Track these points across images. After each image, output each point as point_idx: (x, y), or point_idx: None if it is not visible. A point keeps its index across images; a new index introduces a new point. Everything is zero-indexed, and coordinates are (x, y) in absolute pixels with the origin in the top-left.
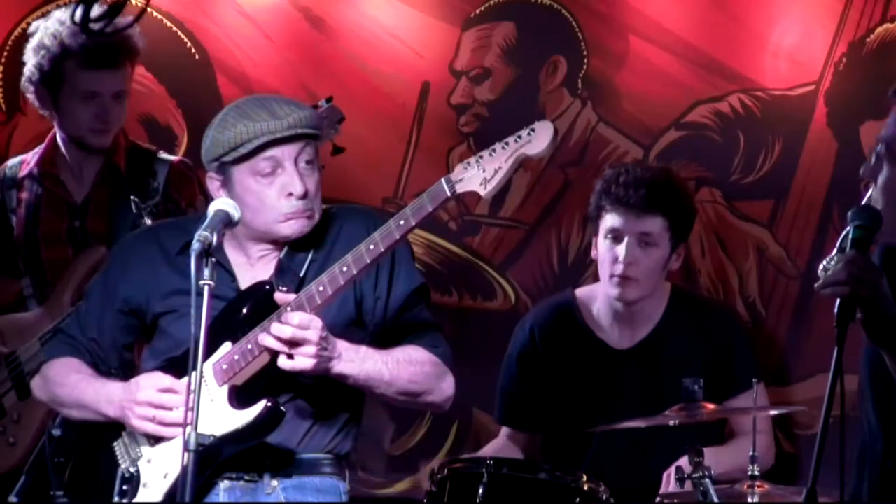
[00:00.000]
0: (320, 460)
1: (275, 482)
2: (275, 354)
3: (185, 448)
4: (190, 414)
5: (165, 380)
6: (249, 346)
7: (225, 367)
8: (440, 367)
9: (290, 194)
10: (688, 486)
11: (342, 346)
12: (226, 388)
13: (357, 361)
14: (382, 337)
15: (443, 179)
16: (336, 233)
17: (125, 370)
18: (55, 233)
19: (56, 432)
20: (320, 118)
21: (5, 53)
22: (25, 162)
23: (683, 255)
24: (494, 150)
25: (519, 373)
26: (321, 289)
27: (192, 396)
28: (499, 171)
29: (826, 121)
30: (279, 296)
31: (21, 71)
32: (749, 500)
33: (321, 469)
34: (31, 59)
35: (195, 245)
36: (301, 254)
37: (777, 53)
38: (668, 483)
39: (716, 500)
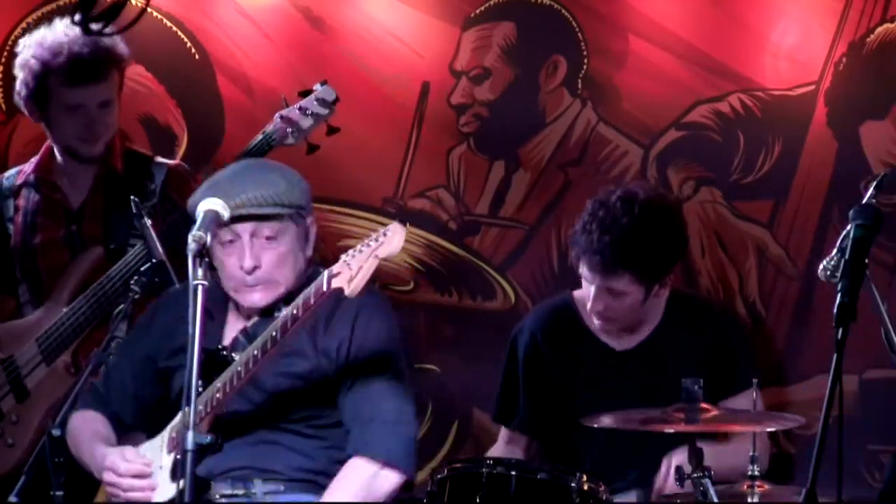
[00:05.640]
0: (315, 481)
1: (268, 497)
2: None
3: (183, 447)
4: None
5: (130, 451)
6: (200, 408)
7: (174, 435)
8: (370, 469)
9: (242, 267)
10: (688, 485)
11: None
12: (172, 456)
13: None
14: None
15: (325, 272)
16: (327, 315)
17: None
18: (52, 240)
19: (56, 432)
20: (281, 197)
21: (5, 53)
22: (22, 171)
23: (671, 282)
24: (361, 249)
25: (525, 377)
26: (255, 353)
27: (191, 395)
28: (360, 270)
29: (826, 121)
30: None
31: None
32: (749, 500)
33: (317, 488)
34: (18, 75)
35: (191, 245)
36: (271, 322)
37: (777, 53)
38: (668, 474)
39: (716, 500)
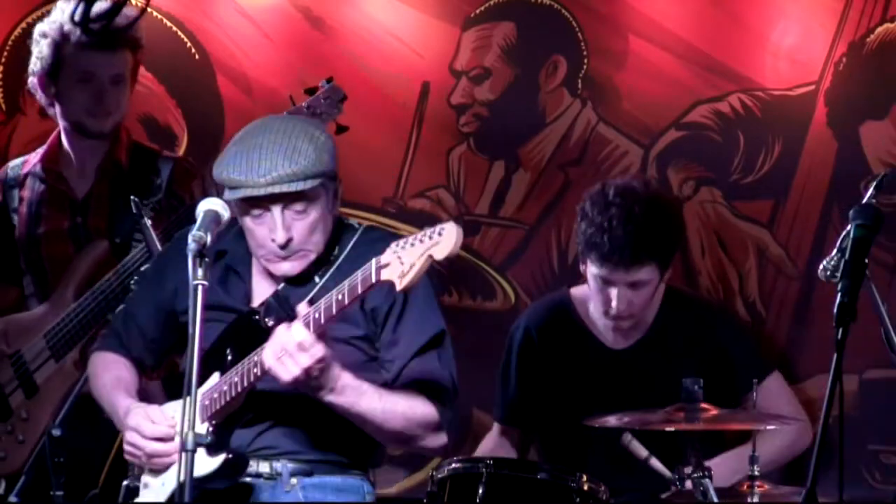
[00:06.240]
0: (342, 461)
1: (294, 480)
2: (252, 391)
3: (183, 448)
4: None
5: (157, 412)
6: (235, 380)
7: (207, 402)
8: (436, 422)
9: (274, 240)
10: (688, 485)
11: (344, 380)
12: (206, 426)
13: (353, 397)
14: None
15: (374, 261)
16: (350, 266)
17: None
18: (57, 231)
19: (56, 432)
20: (313, 169)
21: (5, 53)
22: (27, 161)
23: (674, 265)
24: (413, 244)
25: (518, 372)
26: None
27: (188, 395)
28: (413, 267)
29: (826, 121)
30: (301, 307)
31: (21, 71)
32: (749, 500)
33: (342, 469)
34: (34, 51)
35: (191, 245)
36: (302, 287)
37: (777, 53)
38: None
39: (716, 500)
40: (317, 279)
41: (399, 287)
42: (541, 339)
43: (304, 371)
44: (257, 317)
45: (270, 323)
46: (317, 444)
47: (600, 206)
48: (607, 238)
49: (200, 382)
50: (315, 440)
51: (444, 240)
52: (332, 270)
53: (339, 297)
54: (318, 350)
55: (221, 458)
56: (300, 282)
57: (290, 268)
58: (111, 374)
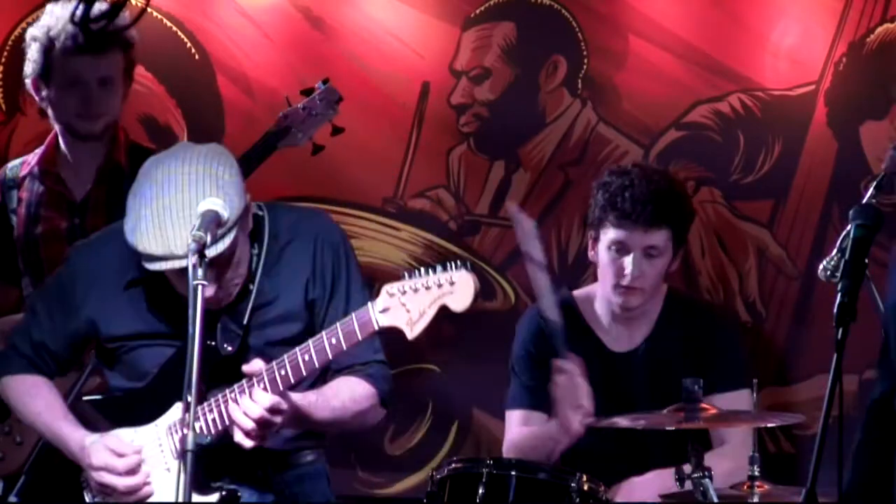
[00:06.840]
0: (306, 453)
1: (276, 477)
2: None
3: (183, 447)
4: (187, 414)
5: (116, 443)
6: (213, 418)
7: (181, 437)
8: (375, 400)
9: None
10: (688, 485)
11: (299, 410)
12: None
13: (307, 418)
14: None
15: (370, 306)
16: (277, 259)
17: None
18: (55, 231)
19: None
20: (230, 216)
21: (5, 53)
22: (26, 162)
23: (681, 255)
24: (417, 290)
25: (533, 363)
26: (283, 373)
27: (189, 394)
28: (423, 315)
29: (826, 121)
30: (247, 368)
31: (21, 71)
32: (749, 500)
33: (308, 460)
34: (27, 54)
35: (191, 245)
36: (241, 302)
37: (777, 53)
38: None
39: (716, 500)
40: (251, 286)
41: (410, 335)
42: (548, 334)
43: (280, 426)
44: (212, 343)
45: (230, 349)
46: (293, 438)
47: (619, 172)
48: (629, 194)
49: (160, 413)
50: (292, 435)
51: (460, 291)
52: (259, 271)
53: (333, 340)
54: (285, 404)
55: (215, 497)
56: (237, 298)
57: (218, 302)
58: (41, 401)
